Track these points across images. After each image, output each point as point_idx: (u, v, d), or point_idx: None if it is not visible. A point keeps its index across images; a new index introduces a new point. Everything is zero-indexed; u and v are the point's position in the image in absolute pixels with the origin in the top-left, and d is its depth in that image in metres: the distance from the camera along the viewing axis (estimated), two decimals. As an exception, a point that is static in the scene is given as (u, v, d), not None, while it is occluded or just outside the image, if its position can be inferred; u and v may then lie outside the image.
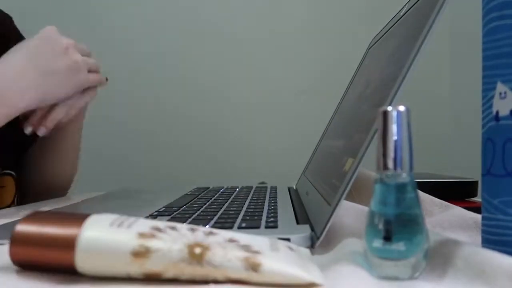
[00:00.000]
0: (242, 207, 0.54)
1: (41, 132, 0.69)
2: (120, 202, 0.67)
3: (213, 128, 1.33)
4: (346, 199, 0.52)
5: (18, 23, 0.89)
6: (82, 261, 0.28)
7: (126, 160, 1.31)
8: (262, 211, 0.50)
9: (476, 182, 0.63)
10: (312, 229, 0.40)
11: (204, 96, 1.33)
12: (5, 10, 0.87)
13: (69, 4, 1.32)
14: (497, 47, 0.31)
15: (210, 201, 0.61)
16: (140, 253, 0.27)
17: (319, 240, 0.37)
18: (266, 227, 0.41)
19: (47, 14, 1.31)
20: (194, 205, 0.57)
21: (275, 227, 0.41)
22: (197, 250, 0.27)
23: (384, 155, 0.28)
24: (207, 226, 0.42)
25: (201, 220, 0.45)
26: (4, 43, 0.85)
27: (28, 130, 0.68)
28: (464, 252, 0.29)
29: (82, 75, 0.66)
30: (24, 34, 0.90)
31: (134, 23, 1.33)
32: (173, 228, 0.29)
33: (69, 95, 0.67)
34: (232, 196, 0.66)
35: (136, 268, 0.27)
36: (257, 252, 0.28)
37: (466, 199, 0.63)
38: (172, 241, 0.28)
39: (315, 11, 1.34)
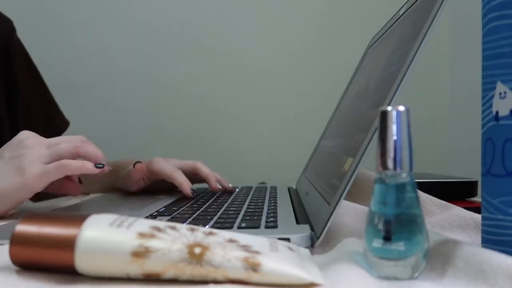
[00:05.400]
0: (242, 207, 0.54)
1: None
2: (119, 202, 0.67)
3: (213, 129, 1.33)
4: (346, 199, 0.52)
5: (19, 22, 0.89)
6: (82, 261, 0.28)
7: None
8: (262, 211, 0.50)
9: (476, 182, 0.63)
10: (312, 229, 0.40)
11: (204, 96, 1.33)
12: (6, 10, 0.87)
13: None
14: (497, 47, 0.31)
15: (210, 201, 0.61)
16: (140, 253, 0.27)
17: (318, 240, 0.37)
18: (266, 227, 0.41)
19: (47, 14, 1.31)
20: (194, 205, 0.57)
21: (275, 227, 0.41)
22: (197, 250, 0.27)
23: (384, 155, 0.28)
24: (207, 226, 0.42)
25: (201, 220, 0.45)
26: (7, 63, 0.85)
27: None
28: (464, 252, 0.29)
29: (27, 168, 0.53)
30: (25, 35, 0.90)
31: (135, 27, 1.33)
32: (173, 228, 0.29)
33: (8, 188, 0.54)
34: (232, 196, 0.66)
35: (135, 268, 0.27)
36: (256, 252, 0.28)
37: (466, 199, 0.63)
38: (172, 241, 0.28)
39: (315, 11, 1.34)
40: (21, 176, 0.53)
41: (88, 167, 0.55)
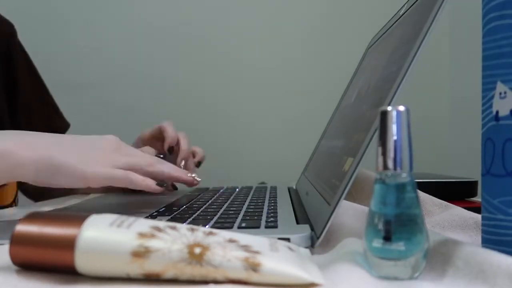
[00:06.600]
0: (242, 207, 0.54)
1: None
2: (120, 202, 0.67)
3: (213, 129, 1.33)
4: (346, 199, 0.52)
5: (19, 23, 0.89)
6: (82, 261, 0.28)
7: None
8: (262, 211, 0.50)
9: (476, 182, 0.63)
10: (312, 229, 0.40)
11: (204, 96, 1.33)
12: (6, 10, 0.87)
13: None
14: (497, 47, 0.31)
15: (210, 201, 0.61)
16: (140, 253, 0.27)
17: (318, 240, 0.37)
18: (266, 227, 0.41)
19: (47, 15, 1.31)
20: (194, 205, 0.57)
21: (275, 227, 0.41)
22: (197, 250, 0.27)
23: (384, 155, 0.28)
24: (207, 226, 0.42)
25: (201, 220, 0.45)
26: (8, 64, 0.86)
27: None
28: (464, 252, 0.29)
29: (104, 169, 0.53)
30: (24, 36, 0.90)
31: (135, 28, 1.33)
32: (173, 228, 0.29)
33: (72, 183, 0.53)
34: (232, 196, 0.66)
35: (135, 268, 0.27)
36: (256, 252, 0.28)
37: (466, 199, 0.63)
38: (172, 241, 0.28)
39: (315, 11, 1.34)
40: (86, 167, 0.52)
41: (150, 185, 0.54)
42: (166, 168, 0.58)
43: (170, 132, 0.74)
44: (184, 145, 0.75)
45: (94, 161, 0.53)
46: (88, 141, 0.56)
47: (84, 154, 0.53)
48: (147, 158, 0.57)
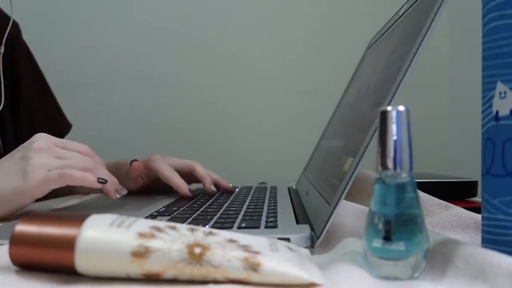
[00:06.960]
0: (242, 207, 0.54)
1: None
2: (120, 202, 0.67)
3: (213, 129, 1.33)
4: (346, 199, 0.52)
5: (20, 22, 0.89)
6: (82, 261, 0.28)
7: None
8: (262, 211, 0.50)
9: (476, 182, 0.63)
10: (312, 229, 0.40)
11: (204, 96, 1.33)
12: (7, 10, 0.87)
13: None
14: (497, 47, 0.31)
15: (210, 201, 0.61)
16: (140, 253, 0.27)
17: (318, 240, 0.37)
18: (266, 227, 0.41)
19: (47, 14, 1.31)
20: (194, 205, 0.57)
21: (275, 227, 0.41)
22: (197, 250, 0.27)
23: (384, 155, 0.28)
24: (207, 226, 0.42)
25: (201, 220, 0.45)
26: (12, 63, 0.86)
27: None
28: (464, 252, 0.29)
29: (33, 175, 0.52)
30: (25, 36, 0.90)
31: (135, 28, 1.33)
32: (173, 228, 0.29)
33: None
34: (232, 196, 0.66)
35: (135, 268, 0.27)
36: (256, 252, 0.28)
37: (466, 199, 0.63)
38: (171, 241, 0.28)
39: (315, 11, 1.34)
40: (23, 180, 0.52)
41: (91, 180, 0.54)
42: (102, 173, 0.57)
43: (202, 172, 0.74)
44: (203, 172, 0.74)
45: (25, 172, 0.52)
46: (17, 152, 0.55)
47: (13, 169, 0.53)
48: (81, 160, 0.56)
